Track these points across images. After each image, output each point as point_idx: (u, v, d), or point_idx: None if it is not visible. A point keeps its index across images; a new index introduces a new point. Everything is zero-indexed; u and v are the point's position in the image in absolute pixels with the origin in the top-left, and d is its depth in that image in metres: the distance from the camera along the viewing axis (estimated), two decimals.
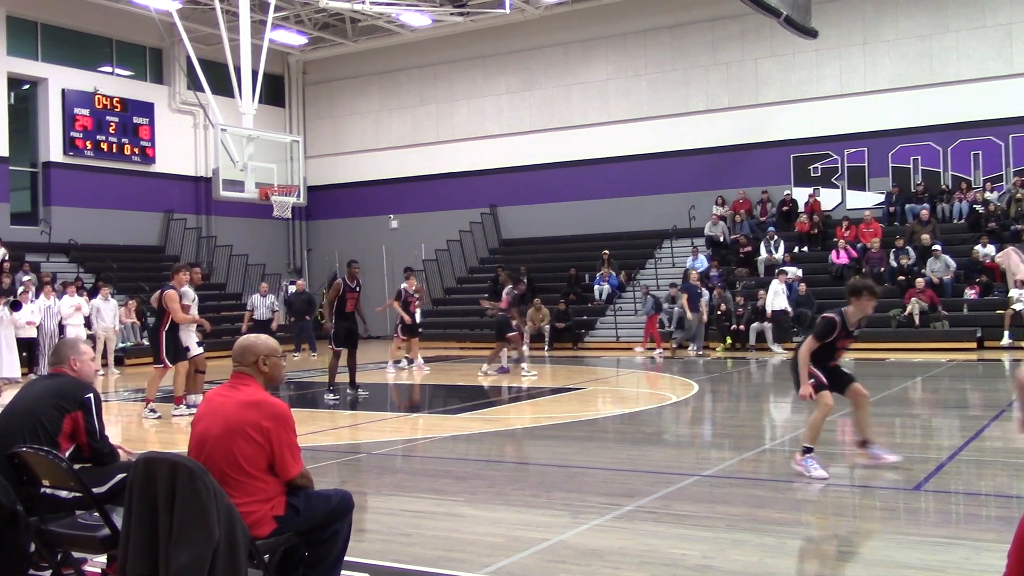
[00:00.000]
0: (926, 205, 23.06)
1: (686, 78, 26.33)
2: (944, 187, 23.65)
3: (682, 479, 7.65)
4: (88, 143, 26.08)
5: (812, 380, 7.46)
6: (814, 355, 7.51)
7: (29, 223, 25.59)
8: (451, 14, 26.27)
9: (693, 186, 25.86)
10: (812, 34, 22.07)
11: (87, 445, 4.90)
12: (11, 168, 25.32)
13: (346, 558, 4.48)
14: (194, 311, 12.68)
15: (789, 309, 19.86)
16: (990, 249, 20.91)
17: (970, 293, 20.74)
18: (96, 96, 26.28)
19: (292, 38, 28.57)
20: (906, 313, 20.32)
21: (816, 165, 24.96)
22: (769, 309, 20.49)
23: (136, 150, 27.25)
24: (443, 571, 5.23)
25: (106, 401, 13.99)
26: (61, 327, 18.27)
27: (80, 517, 4.57)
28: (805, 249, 23.79)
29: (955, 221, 23.02)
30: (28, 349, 17.97)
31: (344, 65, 31.09)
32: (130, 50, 27.82)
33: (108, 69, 27.27)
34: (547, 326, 23.29)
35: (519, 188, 28.44)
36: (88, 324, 18.85)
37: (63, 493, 4.60)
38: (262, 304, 22.38)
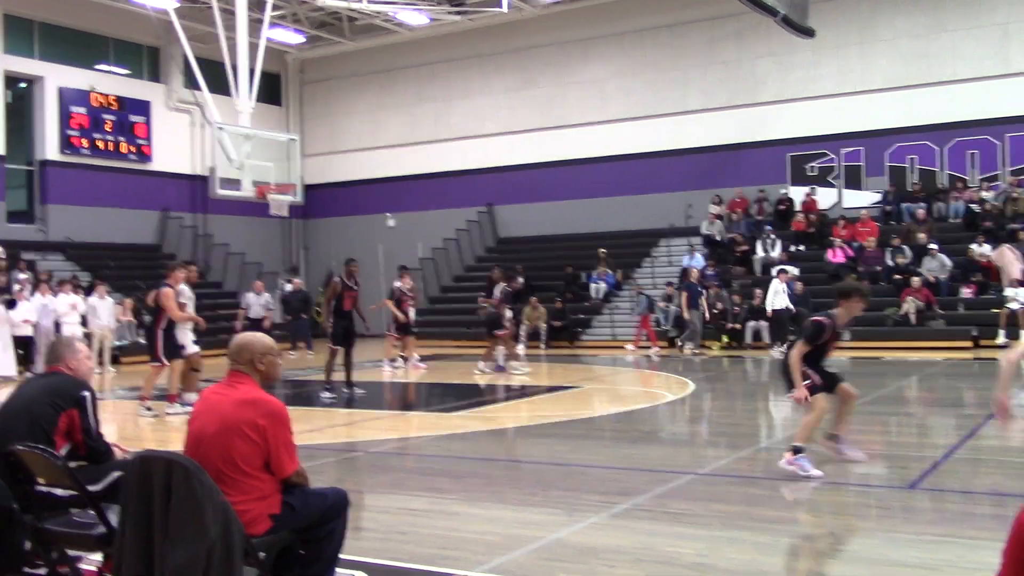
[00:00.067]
0: (922, 204, 23.07)
1: (683, 77, 26.34)
2: (940, 186, 23.67)
3: (678, 477, 7.66)
4: (85, 141, 26.04)
5: (807, 382, 7.49)
6: (805, 357, 7.56)
7: (25, 221, 25.56)
8: (448, 13, 26.27)
9: (690, 185, 25.86)
10: (809, 33, 22.07)
11: (83, 443, 4.90)
12: (7, 166, 25.27)
13: (342, 556, 4.48)
14: (190, 309, 12.67)
15: (792, 308, 19.83)
16: (986, 248, 20.93)
17: (966, 292, 20.76)
18: (93, 94, 26.23)
19: (289, 37, 28.54)
20: (902, 312, 20.35)
21: (813, 164, 24.97)
22: (769, 308, 20.39)
23: (133, 148, 27.21)
24: (439, 569, 5.23)
25: (102, 399, 13.98)
26: (57, 325, 18.24)
27: (75, 515, 4.57)
28: (801, 248, 23.80)
29: (951, 220, 23.02)
30: (24, 347, 17.96)
31: (341, 64, 31.06)
32: (127, 48, 27.78)
33: (105, 67, 27.22)
34: (543, 324, 23.29)
35: (516, 187, 28.43)
36: (84, 322, 18.83)
37: (59, 491, 4.60)
38: (256, 302, 22.32)
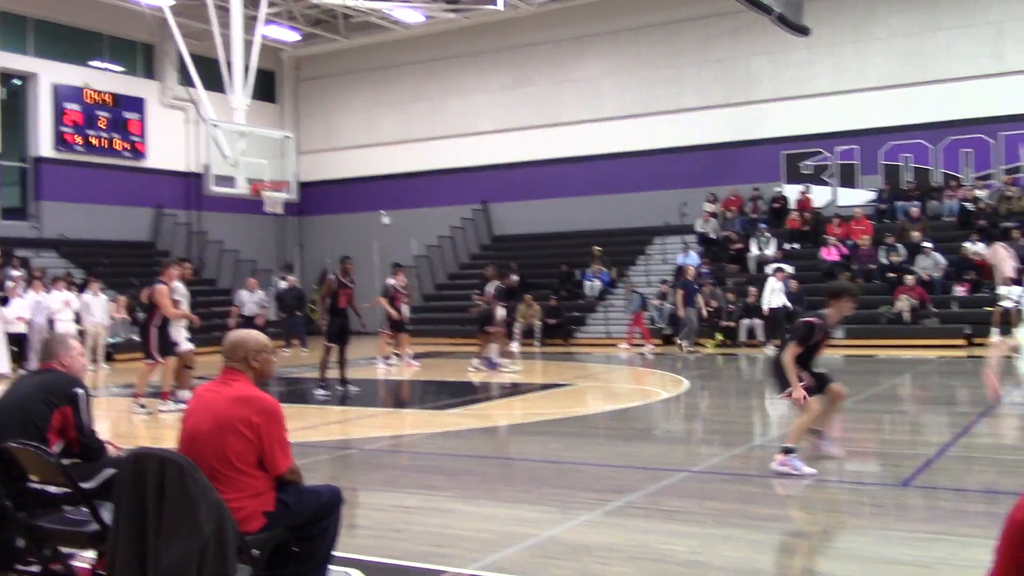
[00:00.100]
0: (916, 202, 23.11)
1: (678, 75, 26.35)
2: (934, 184, 23.72)
3: (672, 475, 7.67)
4: (79, 138, 25.98)
5: (802, 383, 7.53)
6: (796, 358, 7.61)
7: (19, 218, 25.50)
8: (444, 10, 26.24)
9: (684, 183, 25.88)
10: (804, 31, 22.07)
11: (76, 440, 4.89)
12: (1, 163, 25.21)
13: (336, 553, 4.48)
14: (185, 307, 12.65)
15: (789, 306, 19.84)
16: (980, 246, 20.97)
17: (959, 290, 20.80)
18: (87, 91, 26.18)
19: (284, 34, 28.49)
20: (896, 310, 20.38)
21: (807, 162, 25.00)
22: (766, 307, 20.35)
23: (127, 145, 27.16)
24: (433, 566, 5.23)
25: (95, 397, 13.96)
26: (51, 322, 18.19)
27: (69, 512, 4.56)
28: (796, 246, 23.84)
29: (945, 218, 23.07)
30: (18, 344, 17.92)
31: (337, 61, 31.02)
32: (121, 45, 27.71)
33: (99, 64, 27.15)
34: (538, 322, 23.30)
35: (511, 184, 28.44)
36: (78, 319, 18.79)
37: (52, 488, 4.59)
38: (249, 300, 22.27)
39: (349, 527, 5.37)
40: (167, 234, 27.94)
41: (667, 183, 26.05)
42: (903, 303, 20.29)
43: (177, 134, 28.52)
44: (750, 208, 25.22)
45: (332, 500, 4.42)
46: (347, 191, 30.85)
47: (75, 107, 25.90)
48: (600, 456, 8.83)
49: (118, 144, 26.93)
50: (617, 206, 26.64)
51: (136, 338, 17.59)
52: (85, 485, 4.47)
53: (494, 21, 27.54)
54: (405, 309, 18.61)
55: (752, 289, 21.32)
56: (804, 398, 7.50)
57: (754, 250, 23.76)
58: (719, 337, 21.49)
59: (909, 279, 20.65)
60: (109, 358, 20.09)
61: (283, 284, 25.03)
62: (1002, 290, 19.55)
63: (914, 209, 22.84)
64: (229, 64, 18.54)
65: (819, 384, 7.82)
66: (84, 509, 4.37)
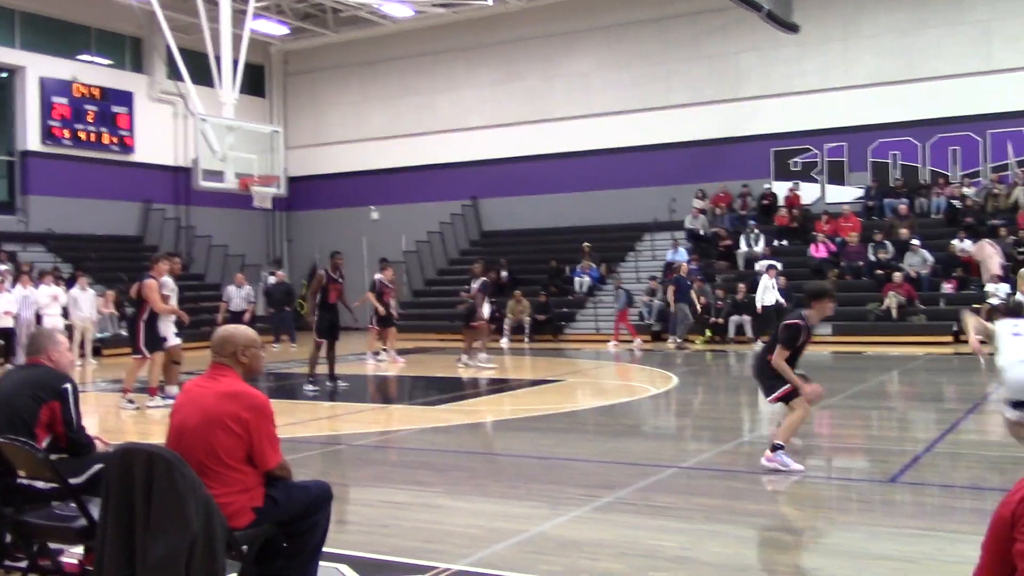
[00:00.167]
0: (904, 200, 23.19)
1: (668, 71, 26.36)
2: (922, 182, 23.80)
3: (661, 471, 7.69)
4: (66, 132, 25.85)
5: (787, 387, 7.60)
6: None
7: (6, 212, 25.35)
8: (433, 5, 26.19)
9: (674, 179, 25.91)
10: (793, 29, 22.13)
11: (64, 435, 4.87)
12: None
13: (325, 549, 4.48)
14: (173, 301, 12.60)
15: (783, 302, 19.87)
16: (967, 244, 21.06)
17: (947, 287, 20.89)
18: (75, 85, 26.05)
19: (273, 28, 28.40)
20: (884, 307, 20.46)
21: (796, 159, 25.06)
22: (759, 304, 20.39)
23: (115, 139, 27.04)
24: (422, 562, 5.23)
25: (83, 392, 13.91)
26: (38, 317, 18.12)
27: (56, 508, 4.55)
28: (784, 243, 23.90)
29: (933, 216, 23.17)
30: (5, 338, 17.83)
31: (326, 56, 30.93)
32: (109, 38, 27.57)
33: (87, 57, 27.01)
34: (527, 318, 23.32)
35: (500, 180, 28.41)
36: (66, 314, 18.71)
37: (39, 484, 4.58)
38: (237, 295, 22.21)
39: (338, 523, 5.36)
40: (155, 229, 27.82)
41: (657, 179, 26.08)
42: (891, 300, 20.36)
43: (165, 128, 28.40)
44: (739, 204, 25.27)
45: (321, 496, 4.42)
46: (336, 186, 30.78)
47: (63, 101, 25.76)
48: (589, 452, 8.85)
49: (106, 138, 26.81)
50: (607, 202, 26.66)
51: (124, 333, 17.53)
52: (73, 481, 4.46)
53: (483, 16, 27.51)
54: (393, 304, 18.59)
55: (741, 285, 21.37)
56: (819, 393, 7.72)
57: (743, 247, 23.82)
58: (708, 333, 21.54)
59: (897, 276, 20.73)
60: (97, 353, 20.02)
61: (272, 279, 24.97)
62: (989, 287, 19.61)
63: (902, 206, 22.91)
64: (218, 58, 18.48)
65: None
66: (72, 505, 4.36)
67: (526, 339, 23.01)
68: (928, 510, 6.62)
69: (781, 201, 24.73)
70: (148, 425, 10.92)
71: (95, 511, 4.09)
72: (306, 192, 30.33)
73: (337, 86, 31.16)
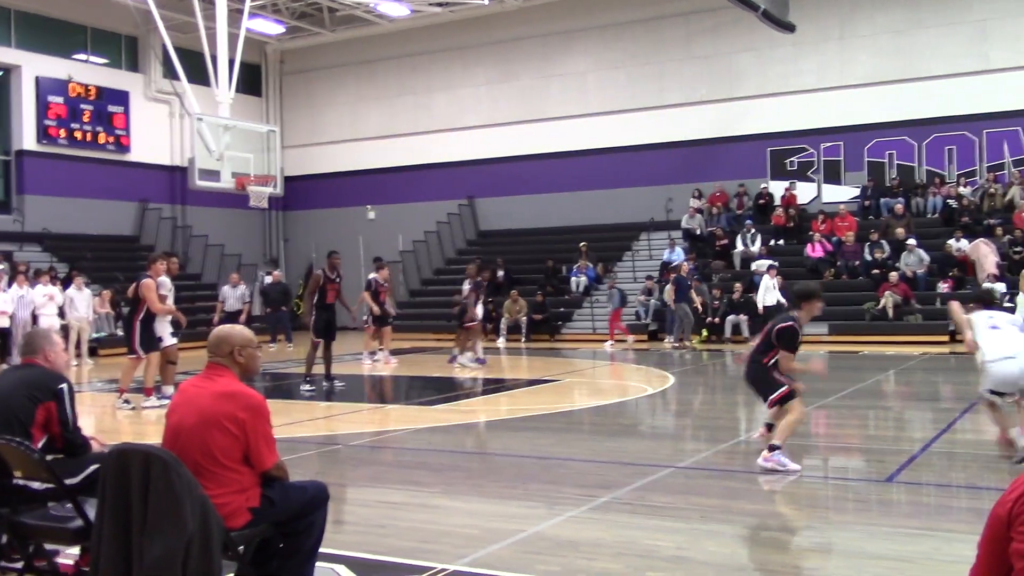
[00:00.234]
0: (901, 199, 23.21)
1: (664, 71, 26.37)
2: (919, 181, 23.83)
3: (657, 471, 7.69)
4: (62, 131, 25.80)
5: (784, 388, 7.70)
6: (772, 362, 7.81)
7: (2, 212, 25.30)
8: (430, 4, 26.17)
9: (670, 179, 25.92)
10: (789, 28, 22.17)
11: (60, 436, 4.86)
12: None
13: (321, 549, 4.47)
14: (170, 301, 12.58)
15: (784, 302, 19.86)
16: (963, 243, 21.09)
17: (943, 287, 20.90)
18: (70, 84, 26.01)
19: (269, 27, 28.37)
20: (880, 307, 20.47)
21: (792, 159, 25.08)
22: (761, 305, 20.36)
23: (111, 139, 27.00)
24: (419, 562, 5.22)
25: (79, 392, 13.89)
26: (34, 317, 18.09)
27: (52, 509, 4.54)
28: (781, 242, 23.91)
29: (929, 215, 23.21)
30: (1, 339, 17.80)
31: (322, 55, 30.90)
32: (105, 38, 27.53)
33: (83, 57, 26.98)
34: (524, 318, 23.31)
35: (497, 180, 28.41)
36: (61, 314, 18.68)
37: (35, 484, 4.56)
38: (232, 295, 22.14)
39: (334, 523, 5.37)
40: (151, 228, 27.78)
41: (653, 179, 26.09)
42: (887, 299, 20.38)
43: (162, 128, 28.37)
44: (735, 204, 25.29)
45: (318, 496, 4.41)
46: (332, 185, 30.75)
47: (59, 100, 25.72)
48: (586, 452, 8.84)
49: (102, 137, 26.77)
50: (603, 202, 26.66)
51: (120, 333, 17.49)
52: (69, 481, 4.45)
53: (479, 15, 27.50)
54: (389, 303, 18.57)
55: (737, 285, 21.36)
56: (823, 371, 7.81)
57: (739, 246, 23.83)
58: (704, 333, 21.54)
59: (893, 276, 20.75)
60: (92, 353, 20.00)
61: (268, 279, 24.94)
62: (985, 286, 19.66)
63: (898, 206, 22.93)
64: (214, 57, 18.45)
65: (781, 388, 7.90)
66: (68, 505, 4.35)
67: (523, 339, 23.00)
68: (925, 510, 6.62)
69: (777, 200, 24.74)
70: (144, 425, 10.90)
71: (91, 512, 4.08)
72: (302, 191, 30.30)
73: (333, 85, 31.13)
